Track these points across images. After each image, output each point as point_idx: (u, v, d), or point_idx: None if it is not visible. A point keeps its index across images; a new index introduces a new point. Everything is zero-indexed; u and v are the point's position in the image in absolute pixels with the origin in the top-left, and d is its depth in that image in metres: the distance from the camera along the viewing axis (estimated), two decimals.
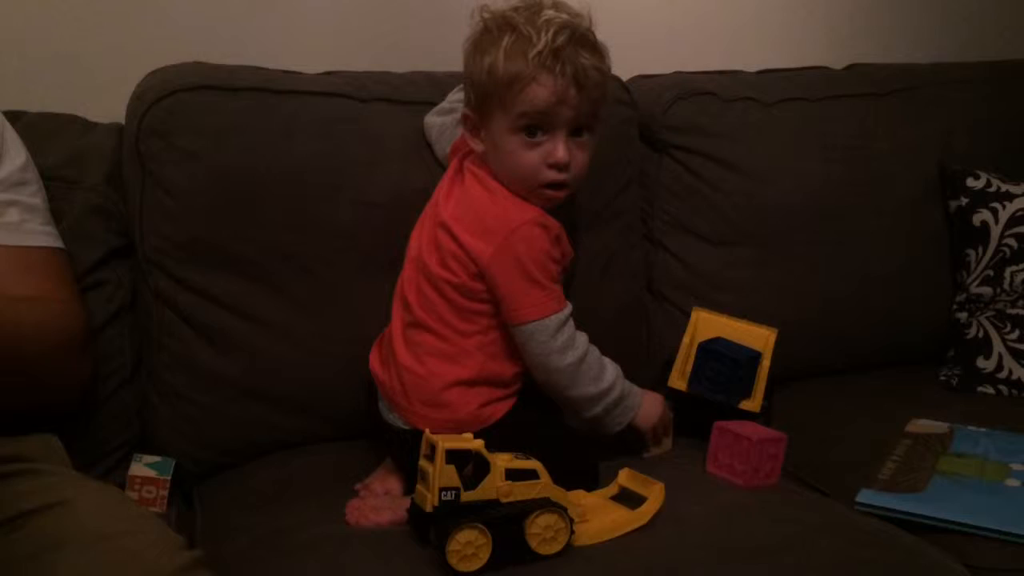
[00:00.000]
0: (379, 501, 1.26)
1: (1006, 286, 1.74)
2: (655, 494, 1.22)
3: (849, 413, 1.61)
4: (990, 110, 1.90)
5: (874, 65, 1.93)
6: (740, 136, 1.70)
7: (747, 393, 1.44)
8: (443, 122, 1.45)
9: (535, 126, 1.25)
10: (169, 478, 1.33)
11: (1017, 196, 1.75)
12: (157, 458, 1.35)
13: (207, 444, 1.42)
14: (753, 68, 1.84)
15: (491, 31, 1.25)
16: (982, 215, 1.75)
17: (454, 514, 1.08)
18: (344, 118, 1.44)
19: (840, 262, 1.74)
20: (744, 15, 2.00)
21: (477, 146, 1.31)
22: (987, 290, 1.75)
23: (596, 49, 1.26)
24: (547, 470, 1.13)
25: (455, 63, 1.33)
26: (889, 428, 1.50)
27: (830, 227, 1.73)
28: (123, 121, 1.43)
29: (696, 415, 1.43)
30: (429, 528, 1.09)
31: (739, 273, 1.69)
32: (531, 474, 1.12)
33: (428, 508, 1.09)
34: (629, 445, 1.40)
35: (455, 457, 1.09)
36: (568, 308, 1.29)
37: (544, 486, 1.13)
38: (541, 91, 1.22)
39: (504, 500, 1.10)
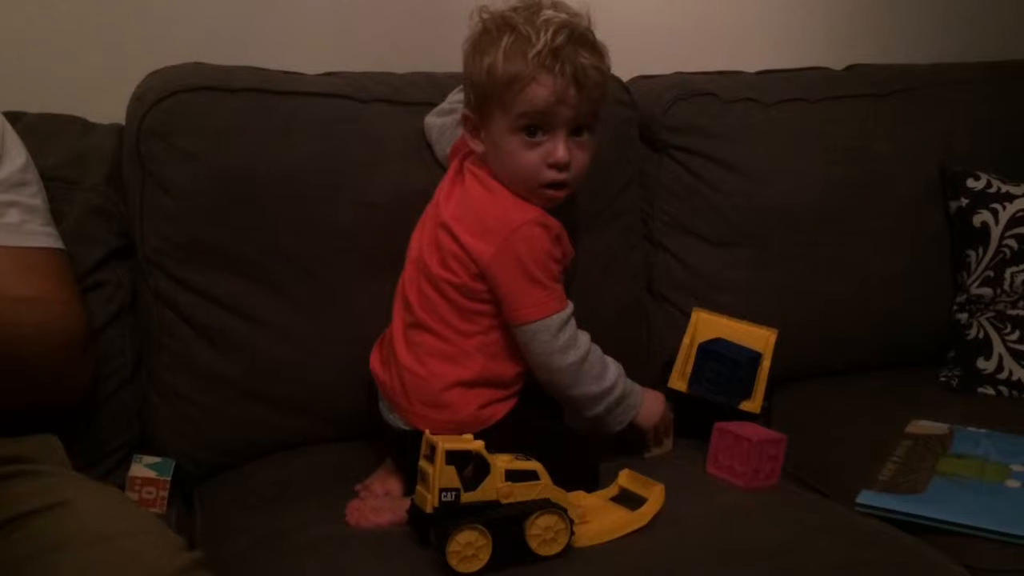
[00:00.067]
0: (379, 502, 1.27)
1: (1006, 287, 1.74)
2: (655, 495, 1.22)
3: (849, 414, 1.61)
4: (990, 111, 1.90)
5: (874, 66, 1.93)
6: (740, 137, 1.69)
7: (747, 394, 1.44)
8: (443, 123, 1.45)
9: (535, 126, 1.25)
10: (169, 479, 1.33)
11: (1017, 197, 1.75)
12: (157, 459, 1.35)
13: (207, 445, 1.42)
14: (753, 69, 1.84)
15: (490, 31, 1.25)
16: (982, 216, 1.75)
17: (454, 515, 1.08)
18: (344, 119, 1.44)
19: (840, 263, 1.74)
20: (744, 16, 2.00)
21: (477, 147, 1.31)
22: (987, 291, 1.75)
23: (595, 48, 1.26)
24: (547, 471, 1.13)
25: (455, 64, 1.33)
26: (889, 429, 1.50)
27: (830, 228, 1.73)
28: (123, 122, 1.43)
29: (696, 416, 1.43)
30: (429, 529, 1.09)
31: (739, 274, 1.69)
32: (531, 475, 1.12)
33: (428, 509, 1.09)
34: (630, 446, 1.40)
35: (455, 458, 1.09)
36: (570, 307, 1.29)
37: (544, 487, 1.13)
38: (541, 91, 1.22)
39: (504, 501, 1.10)
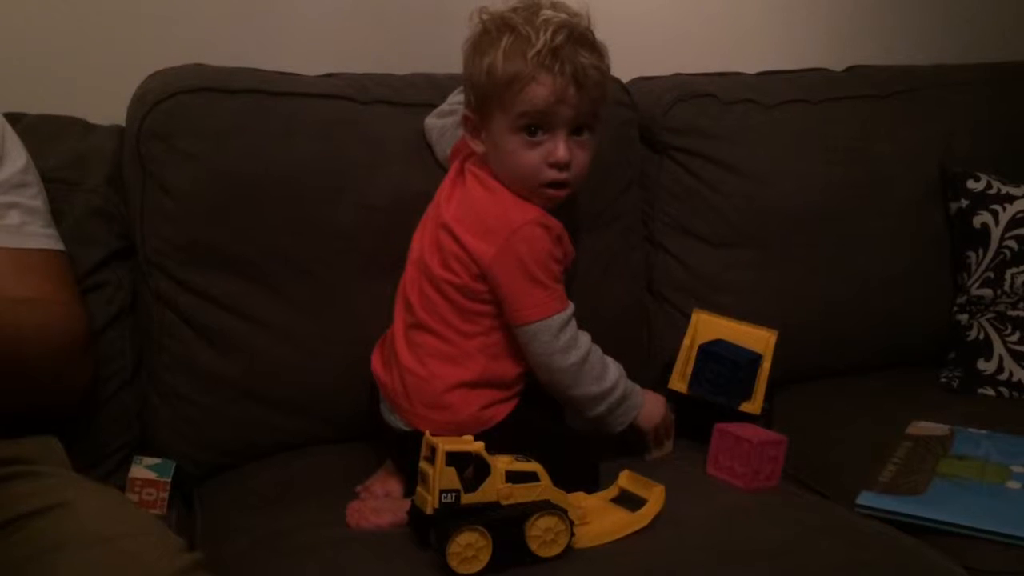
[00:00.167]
0: (379, 503, 1.27)
1: (1006, 288, 1.74)
2: (655, 496, 1.22)
3: (849, 415, 1.61)
4: (991, 112, 1.90)
5: (874, 67, 1.93)
6: (740, 138, 1.70)
7: (747, 395, 1.44)
8: (443, 124, 1.45)
9: (535, 126, 1.25)
10: (169, 480, 1.33)
11: (1017, 198, 1.75)
12: (157, 460, 1.35)
13: (207, 446, 1.42)
14: (753, 70, 1.84)
15: (490, 32, 1.25)
16: (982, 217, 1.75)
17: (454, 516, 1.08)
18: (344, 120, 1.44)
19: (841, 264, 1.74)
20: (744, 17, 2.00)
21: (478, 147, 1.31)
22: (987, 292, 1.75)
23: (595, 48, 1.26)
24: (547, 472, 1.13)
25: (455, 65, 1.33)
26: (889, 430, 1.50)
27: (830, 229, 1.73)
28: (124, 123, 1.43)
29: (696, 417, 1.43)
30: (429, 530, 1.10)
31: (739, 275, 1.69)
32: (531, 476, 1.12)
33: (428, 510, 1.09)
34: (630, 447, 1.40)
35: (455, 459, 1.09)
36: (570, 308, 1.30)
37: (544, 488, 1.13)
38: (540, 90, 1.22)
39: (504, 502, 1.10)
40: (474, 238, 1.27)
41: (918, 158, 1.81)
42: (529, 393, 1.34)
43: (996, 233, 1.74)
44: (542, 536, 1.11)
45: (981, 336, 1.74)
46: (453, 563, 1.06)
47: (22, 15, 1.52)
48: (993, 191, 1.76)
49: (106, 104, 1.47)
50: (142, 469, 1.33)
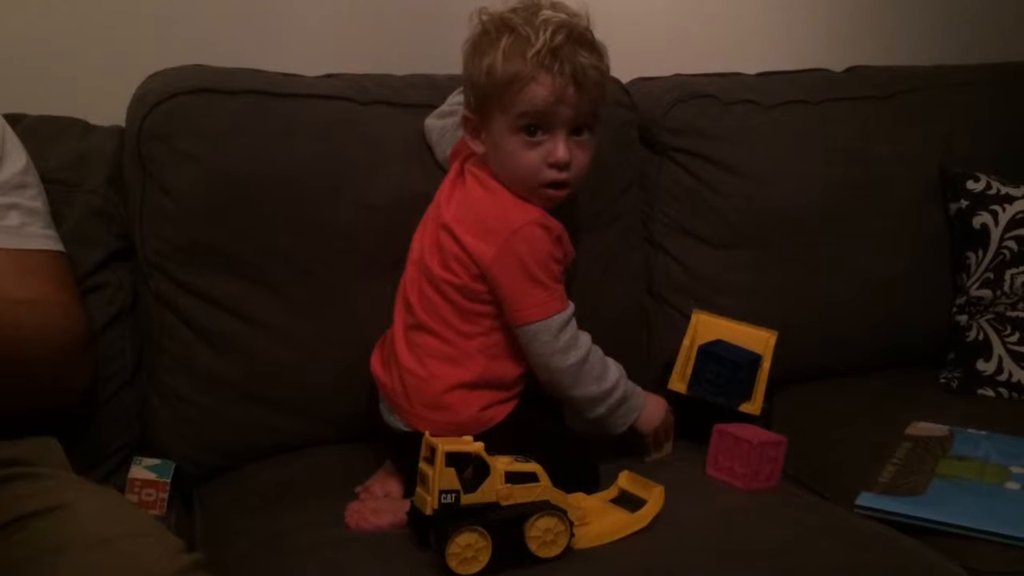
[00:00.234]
0: (379, 504, 1.27)
1: (1006, 288, 1.74)
2: (655, 497, 1.22)
3: (849, 415, 1.61)
4: (991, 112, 1.90)
5: (875, 67, 1.93)
6: (740, 139, 1.69)
7: (747, 396, 1.44)
8: (443, 125, 1.45)
9: (535, 126, 1.25)
10: (169, 481, 1.33)
11: (1017, 199, 1.75)
12: (157, 461, 1.35)
13: (207, 446, 1.42)
14: (753, 70, 1.84)
15: (489, 33, 1.25)
16: (982, 218, 1.75)
17: (454, 517, 1.08)
18: (344, 120, 1.44)
19: (840, 265, 1.74)
20: (744, 18, 2.00)
21: (478, 148, 1.31)
22: (987, 293, 1.75)
23: (594, 48, 1.26)
24: (547, 473, 1.13)
25: (455, 66, 1.33)
26: (889, 431, 1.50)
27: (830, 230, 1.73)
28: (124, 124, 1.43)
29: (696, 418, 1.43)
30: (429, 531, 1.10)
31: (739, 276, 1.69)
32: (531, 477, 1.12)
33: (428, 511, 1.09)
34: (629, 448, 1.40)
35: (455, 460, 1.09)
36: (571, 308, 1.30)
37: (544, 489, 1.13)
38: (540, 90, 1.22)
39: (504, 503, 1.10)
40: (474, 238, 1.27)
41: (918, 158, 1.81)
42: (529, 394, 1.34)
43: (996, 234, 1.74)
44: (542, 537, 1.11)
45: (980, 337, 1.74)
46: (453, 564, 1.06)
47: (22, 15, 1.52)
48: (993, 191, 1.76)
49: (106, 105, 1.47)
50: (142, 470, 1.33)
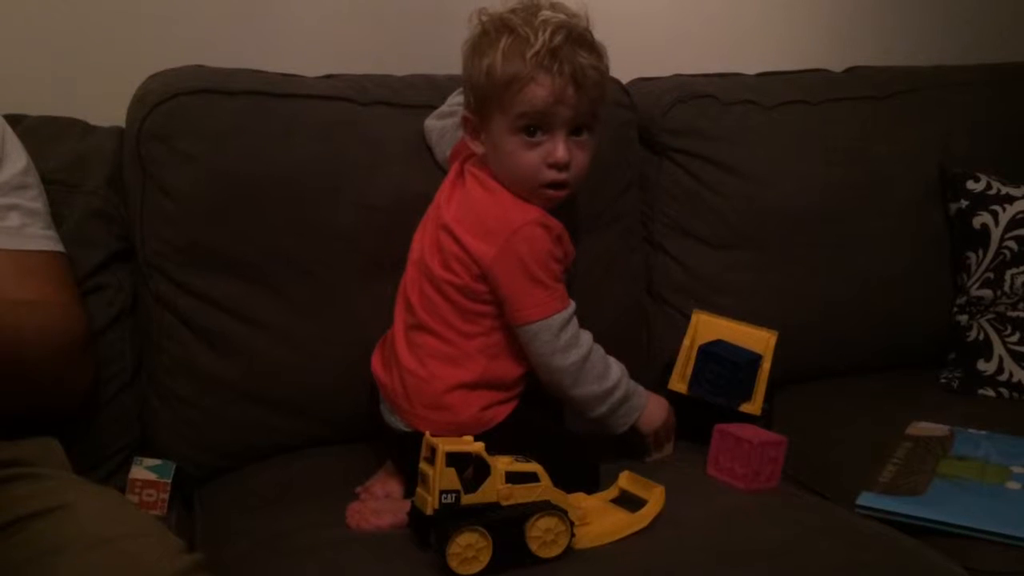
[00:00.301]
0: (379, 504, 1.27)
1: (1006, 288, 1.74)
2: (655, 497, 1.22)
3: (849, 416, 1.61)
4: (990, 112, 1.90)
5: (874, 68, 1.93)
6: (740, 139, 1.70)
7: (747, 396, 1.44)
8: (443, 125, 1.45)
9: (534, 126, 1.25)
10: (169, 481, 1.33)
11: (1017, 199, 1.75)
12: (157, 461, 1.35)
13: (207, 447, 1.42)
14: (753, 71, 1.84)
15: (489, 33, 1.25)
16: (982, 218, 1.75)
17: (454, 517, 1.08)
18: (344, 121, 1.44)
19: (840, 265, 1.74)
20: (744, 17, 2.00)
21: (477, 148, 1.31)
22: (987, 293, 1.75)
23: (594, 48, 1.26)
24: (547, 473, 1.13)
25: (455, 66, 1.33)
26: (889, 431, 1.50)
27: (830, 230, 1.73)
28: (124, 125, 1.43)
29: (696, 418, 1.42)
30: (429, 531, 1.10)
31: (739, 276, 1.69)
32: (531, 477, 1.12)
33: (428, 511, 1.09)
34: (630, 448, 1.40)
35: (455, 460, 1.09)
36: (571, 306, 1.30)
37: (544, 489, 1.13)
38: (539, 91, 1.22)
39: (504, 503, 1.10)
40: (474, 239, 1.27)
41: (918, 158, 1.82)
42: (529, 394, 1.34)
43: (996, 234, 1.74)
44: (542, 537, 1.11)
45: (981, 337, 1.74)
46: (453, 564, 1.06)
47: (22, 16, 1.52)
48: (993, 192, 1.76)
49: (106, 105, 1.47)
50: (142, 470, 1.33)
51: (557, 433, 1.35)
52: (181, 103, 1.37)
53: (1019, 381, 1.70)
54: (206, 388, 1.40)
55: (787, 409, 1.53)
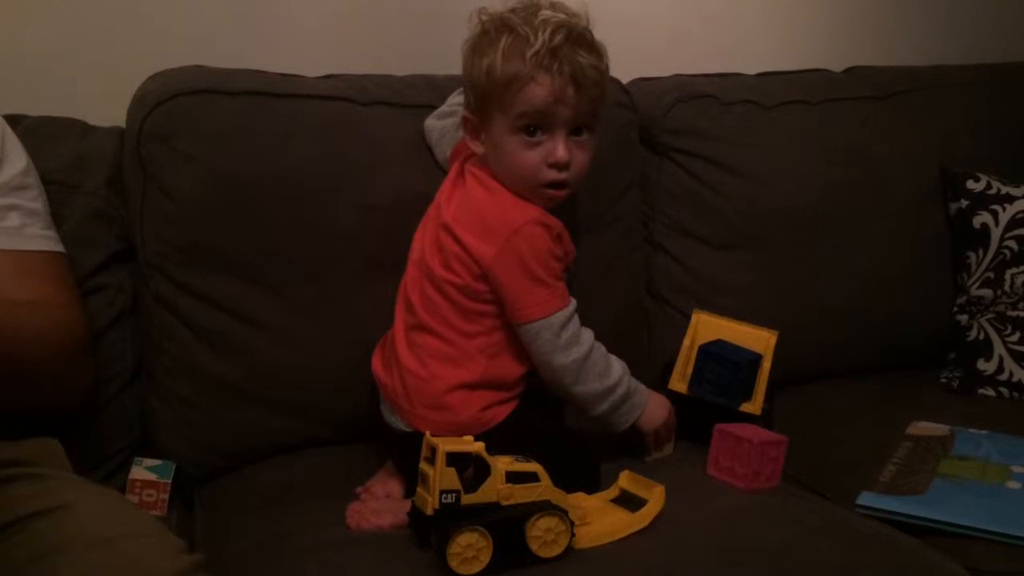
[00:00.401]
0: (380, 504, 1.27)
1: (1006, 288, 1.74)
2: (656, 497, 1.22)
3: (850, 415, 1.61)
4: (991, 113, 1.90)
5: (874, 68, 1.93)
6: (740, 139, 1.70)
7: (748, 396, 1.44)
8: (443, 125, 1.45)
9: (534, 126, 1.25)
10: (169, 481, 1.33)
11: (1017, 198, 1.75)
12: (158, 461, 1.35)
13: (208, 447, 1.42)
14: (753, 71, 1.84)
15: (489, 33, 1.25)
16: (982, 217, 1.75)
17: (454, 517, 1.08)
18: (344, 121, 1.44)
19: (841, 265, 1.74)
20: (744, 17, 2.00)
21: (477, 148, 1.31)
22: (987, 292, 1.75)
23: (594, 48, 1.26)
24: (548, 473, 1.13)
25: (455, 66, 1.33)
26: (890, 431, 1.50)
27: (831, 230, 1.73)
28: (124, 125, 1.43)
29: (696, 418, 1.42)
30: (430, 531, 1.10)
31: (740, 276, 1.69)
32: (532, 477, 1.12)
33: (428, 511, 1.09)
34: (630, 448, 1.40)
35: (455, 460, 1.09)
36: (572, 304, 1.30)
37: (545, 489, 1.13)
38: (539, 91, 1.22)
39: (504, 503, 1.10)
40: (475, 238, 1.27)
41: (918, 158, 1.82)
42: (529, 394, 1.34)
43: (996, 233, 1.74)
44: (542, 536, 1.11)
45: (981, 336, 1.74)
46: (453, 564, 1.06)
47: (22, 16, 1.52)
48: (993, 191, 1.76)
49: (106, 106, 1.47)
50: (142, 470, 1.33)
51: (557, 433, 1.35)
52: (181, 103, 1.37)
53: (1019, 381, 1.70)
54: (206, 388, 1.40)
55: (787, 409, 1.53)
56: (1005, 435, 1.48)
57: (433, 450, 1.09)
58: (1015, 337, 1.72)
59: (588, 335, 1.31)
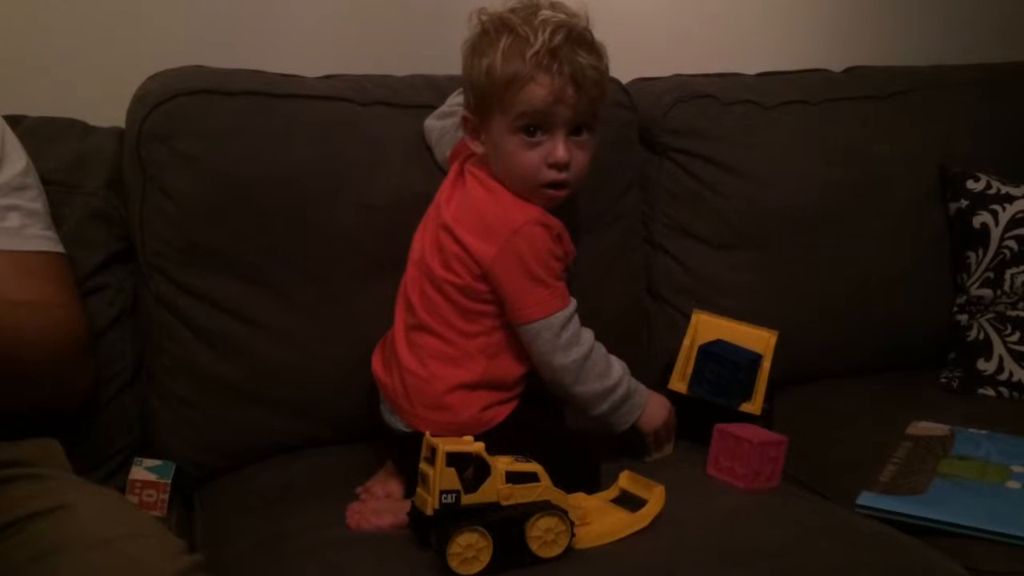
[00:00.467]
0: (380, 504, 1.27)
1: (1006, 288, 1.74)
2: (656, 497, 1.22)
3: (850, 415, 1.61)
4: (990, 112, 1.90)
5: (874, 68, 1.93)
6: (740, 139, 1.70)
7: (748, 396, 1.44)
8: (443, 126, 1.45)
9: (534, 126, 1.25)
10: (169, 482, 1.33)
11: (1017, 198, 1.75)
12: (158, 462, 1.35)
13: (208, 448, 1.42)
14: (753, 71, 1.84)
15: (489, 33, 1.25)
16: (982, 217, 1.75)
17: (454, 517, 1.08)
18: (344, 121, 1.44)
19: (840, 265, 1.74)
20: (744, 17, 2.00)
21: (477, 148, 1.31)
22: (987, 292, 1.75)
23: (593, 48, 1.26)
24: (548, 473, 1.13)
25: (454, 66, 1.33)
26: (890, 430, 1.50)
27: (830, 230, 1.73)
28: (123, 125, 1.43)
29: (696, 418, 1.42)
30: (430, 531, 1.10)
31: (740, 276, 1.69)
32: (531, 477, 1.12)
33: (428, 511, 1.09)
34: (630, 448, 1.40)
35: (455, 460, 1.09)
36: (572, 304, 1.30)
37: (544, 489, 1.13)
38: (539, 91, 1.22)
39: (504, 503, 1.10)
40: (475, 238, 1.27)
41: (918, 158, 1.82)
42: (529, 394, 1.34)
43: (996, 233, 1.74)
44: (542, 537, 1.11)
45: (981, 336, 1.74)
46: (453, 564, 1.06)
47: (22, 16, 1.52)
48: (993, 191, 1.76)
49: (106, 106, 1.47)
50: (142, 471, 1.33)
51: (557, 433, 1.35)
52: (181, 103, 1.37)
53: (1019, 380, 1.70)
54: (206, 388, 1.40)
55: (787, 409, 1.53)
56: (1005, 435, 1.48)
57: (433, 450, 1.09)
58: (1015, 337, 1.72)
59: (588, 335, 1.31)
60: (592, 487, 1.27)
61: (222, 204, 1.37)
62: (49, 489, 1.04)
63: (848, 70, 1.92)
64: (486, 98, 1.25)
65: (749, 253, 1.70)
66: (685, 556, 1.14)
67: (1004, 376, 1.71)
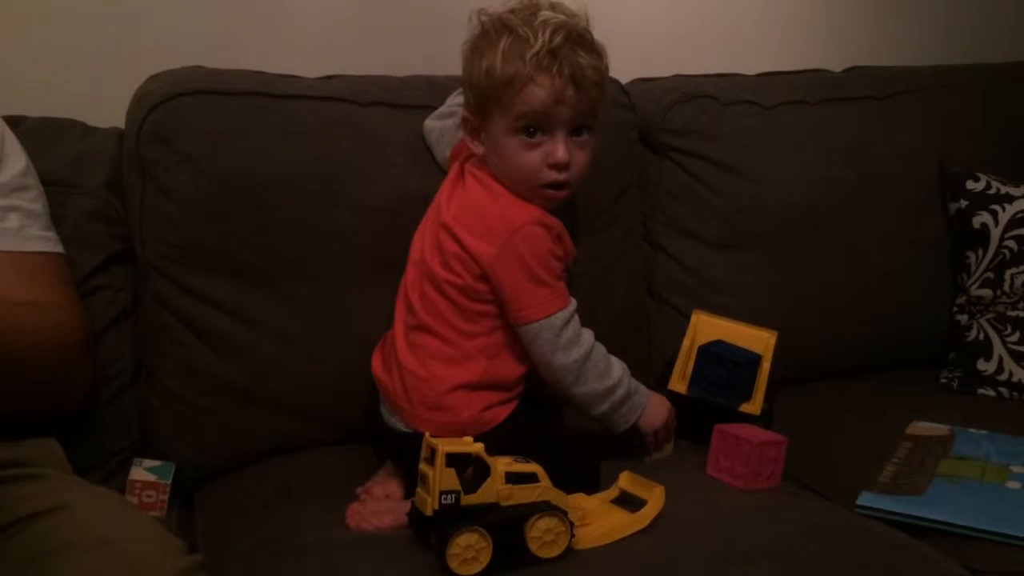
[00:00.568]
0: (380, 505, 1.27)
1: (1006, 288, 1.74)
2: (655, 497, 1.22)
3: (849, 416, 1.61)
4: (990, 113, 1.90)
5: (874, 68, 1.93)
6: (740, 139, 1.70)
7: (747, 396, 1.44)
8: (443, 126, 1.45)
9: (534, 126, 1.25)
10: (169, 482, 1.33)
11: (1017, 198, 1.75)
12: (157, 462, 1.35)
13: (208, 448, 1.42)
14: (753, 71, 1.84)
15: (489, 34, 1.26)
16: (982, 217, 1.75)
17: (454, 517, 1.08)
18: (344, 122, 1.44)
19: (840, 265, 1.74)
20: (744, 18, 2.00)
21: (477, 148, 1.31)
22: (987, 292, 1.75)
23: (593, 48, 1.26)
24: (547, 473, 1.13)
25: (454, 67, 1.33)
26: (889, 431, 1.50)
27: (830, 230, 1.73)
28: (123, 126, 1.43)
29: (696, 418, 1.42)
30: (429, 532, 1.09)
31: (739, 276, 1.69)
32: (531, 477, 1.12)
33: (428, 512, 1.09)
34: (630, 448, 1.40)
35: (455, 460, 1.09)
36: (572, 304, 1.30)
37: (544, 489, 1.12)
38: (539, 91, 1.22)
39: (504, 503, 1.10)
40: (475, 238, 1.27)
41: (918, 158, 1.82)
42: (529, 395, 1.34)
43: (996, 233, 1.74)
44: (542, 537, 1.11)
45: (981, 336, 1.74)
46: (453, 564, 1.06)
47: (22, 16, 1.52)
48: (993, 191, 1.76)
49: (106, 106, 1.47)
50: (142, 471, 1.33)
51: (557, 433, 1.35)
52: (181, 104, 1.37)
53: (1019, 381, 1.70)
54: (206, 389, 1.40)
55: (787, 409, 1.53)
56: (1005, 435, 1.48)
57: (433, 451, 1.09)
58: (1015, 337, 1.72)
59: (588, 335, 1.31)
60: (592, 487, 1.28)
61: (222, 204, 1.37)
62: (49, 489, 1.04)
63: (848, 70, 1.93)
64: (486, 98, 1.26)
65: (749, 253, 1.70)
66: (685, 556, 1.14)
67: (1004, 376, 1.71)
